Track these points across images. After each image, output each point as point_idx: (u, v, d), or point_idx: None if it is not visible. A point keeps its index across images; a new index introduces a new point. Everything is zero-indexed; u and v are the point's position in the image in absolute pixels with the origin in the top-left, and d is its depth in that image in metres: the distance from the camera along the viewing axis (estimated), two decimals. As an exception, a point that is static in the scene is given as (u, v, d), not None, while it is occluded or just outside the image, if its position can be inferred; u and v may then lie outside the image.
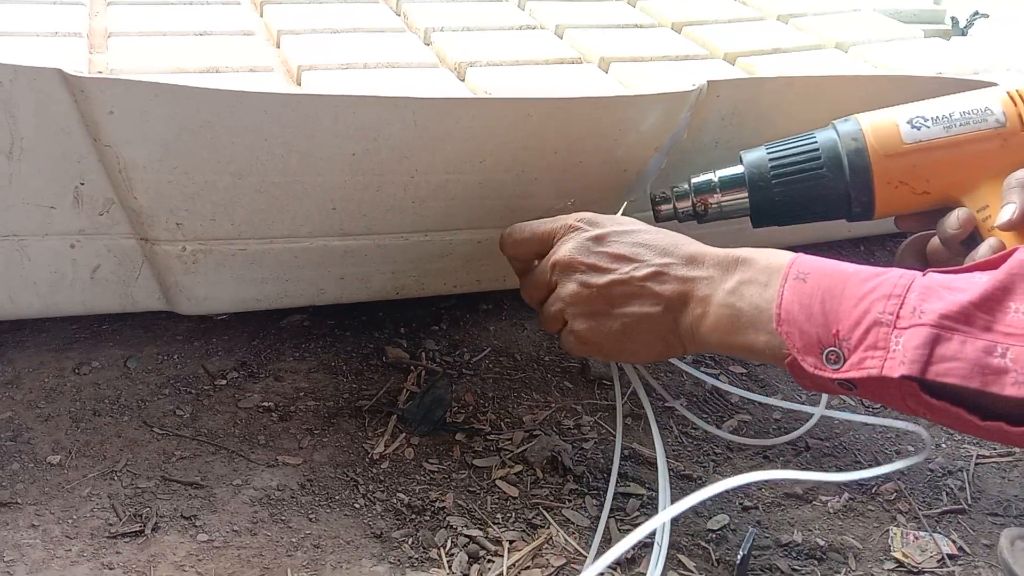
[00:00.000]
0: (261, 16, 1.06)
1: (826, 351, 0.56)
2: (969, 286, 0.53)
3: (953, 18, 1.31)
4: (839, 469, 0.81)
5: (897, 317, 0.54)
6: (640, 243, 0.66)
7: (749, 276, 0.61)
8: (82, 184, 0.72)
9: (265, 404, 0.81)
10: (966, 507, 0.78)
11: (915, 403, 0.55)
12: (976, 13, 1.32)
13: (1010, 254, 0.54)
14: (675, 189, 0.78)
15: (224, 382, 0.83)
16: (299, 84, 0.91)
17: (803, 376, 0.59)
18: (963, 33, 1.30)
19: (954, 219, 0.70)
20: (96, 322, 0.87)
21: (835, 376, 0.56)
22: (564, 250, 0.68)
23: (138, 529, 0.68)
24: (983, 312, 0.52)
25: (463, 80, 0.93)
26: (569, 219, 0.70)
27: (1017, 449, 0.85)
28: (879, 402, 0.59)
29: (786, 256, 0.61)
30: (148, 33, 0.94)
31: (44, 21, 0.90)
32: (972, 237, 0.69)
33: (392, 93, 0.81)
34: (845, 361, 0.56)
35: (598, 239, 0.67)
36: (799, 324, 0.57)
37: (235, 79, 0.86)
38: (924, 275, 0.56)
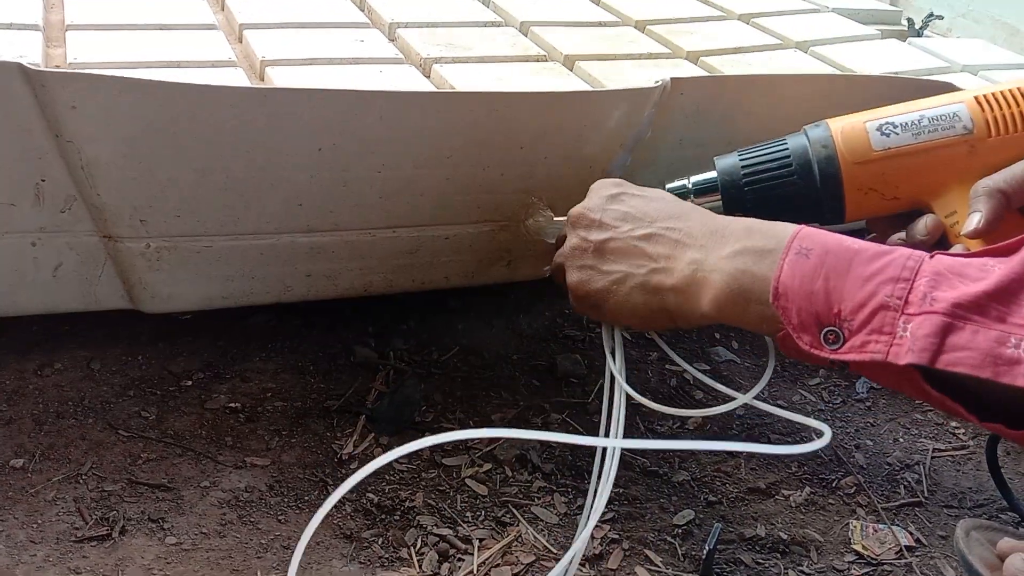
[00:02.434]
0: (222, 10, 1.05)
1: (825, 330, 0.55)
2: (982, 275, 0.52)
3: (909, 19, 1.34)
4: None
5: (905, 302, 0.53)
6: (650, 206, 0.66)
7: (747, 245, 0.60)
8: (43, 181, 0.70)
9: (232, 405, 0.80)
10: (923, 500, 0.80)
11: (912, 388, 0.54)
12: (931, 14, 1.35)
13: (1022, 242, 0.53)
14: None
15: (190, 383, 0.82)
16: (262, 79, 0.89)
17: (794, 350, 0.58)
18: (918, 34, 1.32)
19: (922, 226, 0.70)
20: (58, 322, 0.85)
21: (833, 356, 0.55)
22: (582, 204, 0.69)
23: (105, 533, 0.67)
24: (997, 303, 0.51)
25: (428, 76, 0.93)
26: (607, 180, 0.71)
27: (971, 443, 0.87)
28: (873, 380, 0.59)
29: (789, 228, 0.60)
30: (106, 26, 0.93)
31: (-2, 13, 0.88)
32: (941, 242, 0.70)
33: (358, 87, 0.80)
34: (845, 342, 0.55)
35: (614, 197, 0.68)
36: (797, 301, 0.56)
37: (197, 74, 0.85)
38: (932, 257, 0.55)
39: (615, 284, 0.65)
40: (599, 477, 0.66)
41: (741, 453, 0.83)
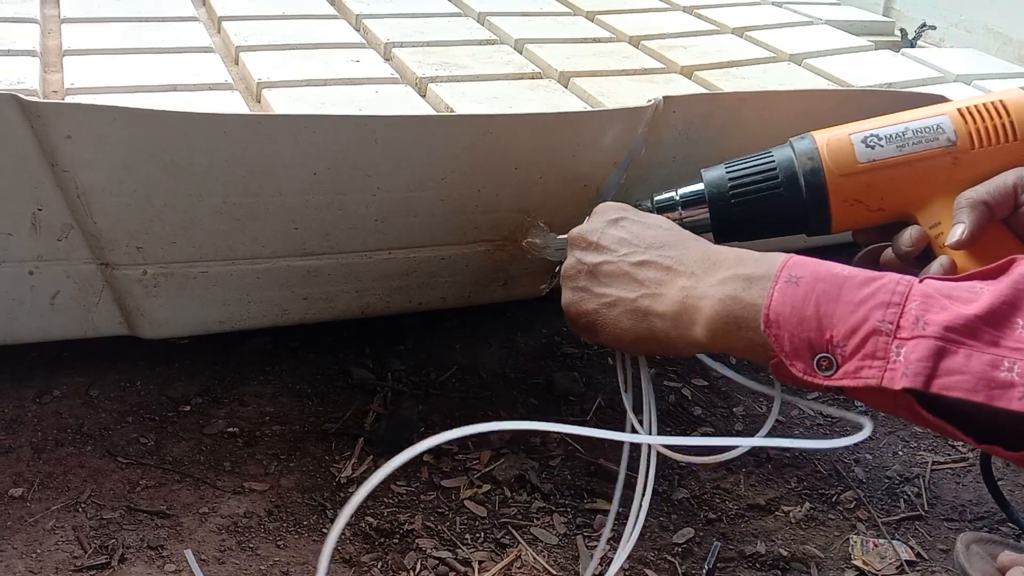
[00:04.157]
0: (219, 32, 1.06)
1: (817, 357, 0.55)
2: (972, 297, 0.52)
3: (902, 30, 1.34)
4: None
5: (897, 327, 0.52)
6: (647, 233, 0.67)
7: (737, 272, 0.60)
8: (40, 210, 0.71)
9: (230, 430, 0.80)
10: (923, 513, 0.80)
11: (908, 413, 0.54)
12: (923, 25, 1.35)
13: (1010, 264, 0.53)
14: (638, 206, 0.79)
15: (188, 408, 0.82)
16: (259, 101, 0.90)
17: (788, 378, 0.58)
18: (911, 44, 1.33)
19: (907, 237, 0.71)
20: (56, 349, 0.85)
21: (827, 383, 0.55)
22: (582, 225, 0.70)
23: (104, 561, 0.67)
24: (989, 327, 0.51)
25: (423, 95, 0.93)
26: (611, 204, 0.71)
27: (970, 455, 0.87)
28: (868, 404, 0.58)
29: (779, 256, 0.60)
30: (103, 51, 0.93)
31: (-5, 39, 0.89)
32: (926, 253, 0.70)
33: (353, 112, 0.81)
34: (838, 368, 0.54)
35: (614, 221, 0.68)
36: (789, 328, 0.56)
37: (194, 97, 0.85)
38: (922, 281, 0.55)
39: (605, 307, 0.66)
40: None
41: (741, 469, 0.83)
